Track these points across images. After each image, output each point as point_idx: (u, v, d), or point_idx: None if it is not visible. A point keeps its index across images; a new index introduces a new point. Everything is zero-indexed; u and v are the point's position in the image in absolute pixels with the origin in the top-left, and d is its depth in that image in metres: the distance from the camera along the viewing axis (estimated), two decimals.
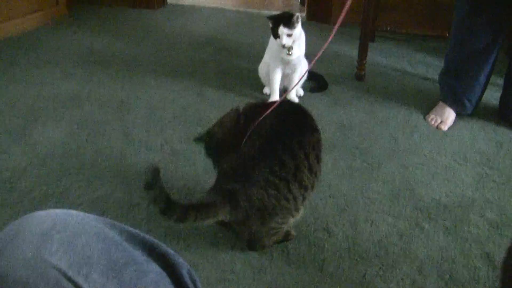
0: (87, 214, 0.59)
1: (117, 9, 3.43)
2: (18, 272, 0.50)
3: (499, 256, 1.26)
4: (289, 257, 1.23)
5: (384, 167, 1.65)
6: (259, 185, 1.13)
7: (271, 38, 2.00)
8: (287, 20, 1.89)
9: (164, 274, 0.59)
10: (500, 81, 2.10)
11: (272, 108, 1.23)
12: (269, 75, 2.08)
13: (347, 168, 1.64)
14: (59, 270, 0.50)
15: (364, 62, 2.36)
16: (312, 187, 1.21)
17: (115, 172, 1.55)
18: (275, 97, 2.07)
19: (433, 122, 1.98)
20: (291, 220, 1.22)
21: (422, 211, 1.43)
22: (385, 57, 2.72)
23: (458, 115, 2.00)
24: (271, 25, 1.94)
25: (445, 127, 1.95)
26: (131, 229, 0.60)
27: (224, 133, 1.30)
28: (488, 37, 1.85)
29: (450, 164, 1.69)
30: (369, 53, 2.35)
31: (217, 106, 2.03)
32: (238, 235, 1.26)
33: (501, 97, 2.06)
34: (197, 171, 1.56)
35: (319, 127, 1.26)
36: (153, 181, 1.05)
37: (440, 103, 2.03)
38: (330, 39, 1.22)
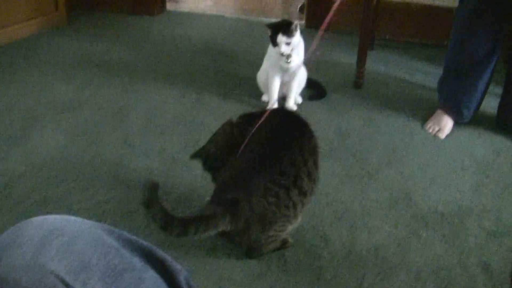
0: (85, 220, 0.59)
1: (116, 16, 3.43)
2: (17, 277, 0.50)
3: (496, 264, 1.26)
4: (286, 264, 1.23)
5: (382, 174, 1.65)
6: (259, 193, 1.13)
7: (270, 46, 2.01)
8: (286, 28, 1.90)
9: (161, 280, 0.59)
10: (498, 90, 2.11)
11: (264, 117, 1.23)
12: (268, 82, 2.08)
13: (344, 175, 1.64)
14: (57, 276, 0.50)
15: (363, 70, 2.36)
16: (311, 193, 1.21)
17: (113, 178, 1.55)
18: (274, 104, 2.07)
19: (431, 130, 1.98)
20: (290, 228, 1.22)
21: (419, 219, 1.43)
22: (383, 65, 2.73)
23: (456, 123, 2.01)
24: (270, 33, 1.95)
25: (442, 135, 1.95)
26: (129, 235, 0.60)
27: (218, 149, 1.30)
28: (489, 44, 1.87)
29: (448, 172, 1.69)
30: (367, 61, 2.36)
31: (216, 112, 2.04)
32: (236, 243, 1.26)
33: (499, 105, 2.07)
34: (195, 177, 1.56)
35: (317, 134, 1.26)
36: (152, 197, 1.05)
37: (438, 111, 2.04)
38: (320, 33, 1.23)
